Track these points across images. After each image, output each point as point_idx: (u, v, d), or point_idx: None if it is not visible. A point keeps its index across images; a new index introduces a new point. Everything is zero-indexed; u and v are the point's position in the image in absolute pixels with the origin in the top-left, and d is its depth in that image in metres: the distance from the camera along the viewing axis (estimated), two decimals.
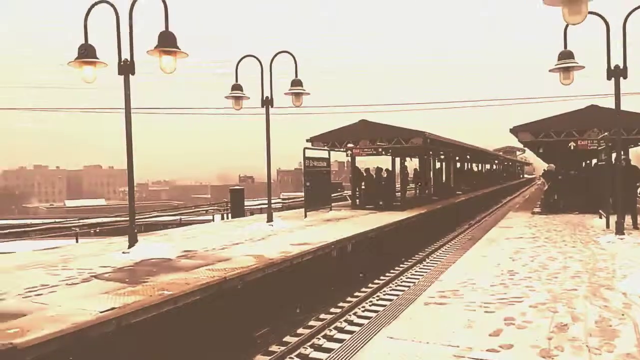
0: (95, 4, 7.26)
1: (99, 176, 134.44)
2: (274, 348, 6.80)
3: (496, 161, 42.97)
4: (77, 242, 12.87)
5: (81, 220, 20.23)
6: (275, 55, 11.49)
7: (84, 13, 7.26)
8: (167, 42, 7.20)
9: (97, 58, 7.25)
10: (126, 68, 7.31)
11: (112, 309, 4.74)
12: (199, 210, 24.43)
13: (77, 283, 5.96)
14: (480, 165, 37.58)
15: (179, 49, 7.28)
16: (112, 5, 7.23)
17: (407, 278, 11.02)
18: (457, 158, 27.04)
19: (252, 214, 19.04)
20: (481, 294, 5.43)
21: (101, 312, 4.62)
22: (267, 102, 11.58)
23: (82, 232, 17.11)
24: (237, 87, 11.18)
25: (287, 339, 7.11)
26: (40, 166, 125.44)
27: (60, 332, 4.13)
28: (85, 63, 7.26)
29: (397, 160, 19.02)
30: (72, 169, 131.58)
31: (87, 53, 7.08)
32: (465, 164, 30.88)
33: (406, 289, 9.68)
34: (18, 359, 3.84)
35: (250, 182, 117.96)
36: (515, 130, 14.45)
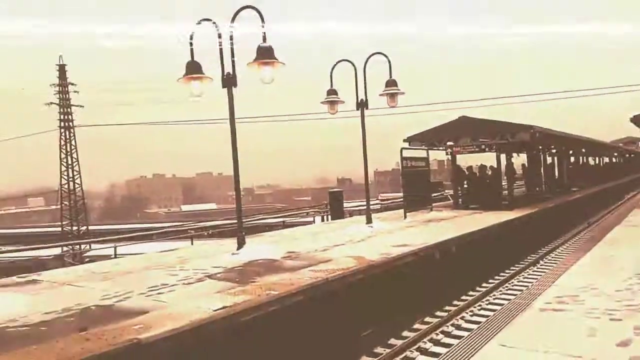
0: (199, 22, 7.78)
1: (210, 182, 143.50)
2: (379, 350, 6.76)
3: (615, 154, 39.11)
4: (192, 244, 13.84)
5: (197, 224, 21.70)
6: (370, 57, 11.47)
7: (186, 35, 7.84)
8: (265, 55, 7.60)
9: (202, 74, 7.79)
10: (229, 81, 7.76)
11: (224, 307, 5.01)
12: (301, 213, 25.11)
13: (192, 283, 6.39)
14: (597, 159, 34.39)
15: (277, 60, 7.60)
16: (214, 23, 7.71)
17: (518, 281, 10.39)
18: (570, 152, 24.99)
19: (351, 215, 19.13)
20: (605, 300, 4.94)
21: (214, 311, 4.90)
22: (361, 105, 11.61)
23: (196, 234, 18.37)
24: (332, 91, 11.38)
25: (392, 341, 7.03)
26: (159, 175, 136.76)
27: (178, 329, 4.45)
28: (192, 79, 7.82)
29: (503, 156, 18.00)
30: (186, 177, 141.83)
31: (194, 70, 7.66)
32: (581, 158, 28.42)
33: (518, 293, 9.12)
34: (142, 353, 4.20)
35: (349, 183, 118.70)
36: (637, 119, 13.04)
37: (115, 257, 13.62)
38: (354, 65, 11.32)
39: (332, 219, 17.94)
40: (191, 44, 7.76)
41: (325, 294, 6.29)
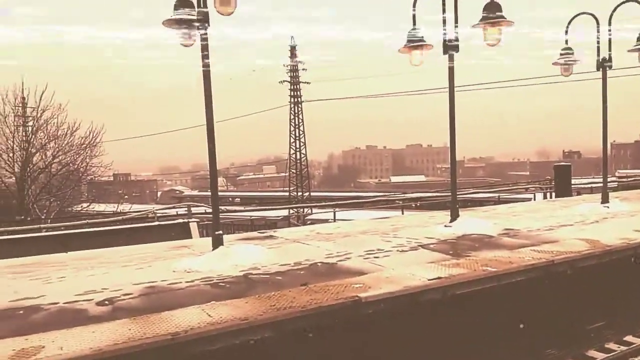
0: None
1: (419, 154, 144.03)
2: (611, 346, 5.95)
3: None
4: (402, 213, 14.16)
5: (406, 195, 22.11)
6: (617, 6, 9.72)
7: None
8: (492, 12, 7.01)
9: (424, 42, 7.66)
10: (450, 47, 7.47)
11: (439, 278, 5.01)
12: (517, 188, 23.42)
13: (406, 250, 6.54)
14: None
15: (505, 19, 6.97)
16: None
17: None
18: None
19: (579, 193, 17.01)
20: None
21: (429, 280, 4.94)
22: (603, 65, 9.97)
23: (405, 205, 18.74)
24: (566, 51, 9.97)
25: (630, 338, 6.10)
26: (371, 146, 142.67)
27: (395, 292, 4.62)
28: (414, 48, 7.78)
29: None
30: (397, 148, 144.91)
31: (416, 38, 7.58)
32: None
33: None
34: (361, 310, 4.50)
35: (577, 157, 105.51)
36: None
37: (335, 221, 14.81)
38: (595, 17, 9.75)
39: (557, 196, 16.23)
40: (414, 15, 7.68)
41: (549, 277, 5.76)
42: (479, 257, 5.98)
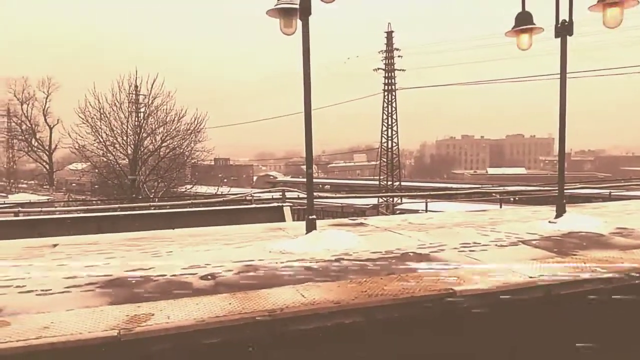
0: None
1: (520, 145, 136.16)
2: None
3: None
4: (500, 207, 13.50)
5: (503, 188, 21.09)
6: None
7: None
8: None
9: (533, 24, 7.18)
10: (563, 29, 6.92)
11: (542, 276, 4.72)
12: (631, 185, 21.41)
13: (505, 245, 6.23)
14: None
15: None
16: None
17: None
18: None
19: None
20: None
21: (530, 277, 4.66)
22: None
23: (502, 198, 17.87)
24: None
25: None
26: (467, 136, 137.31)
27: (492, 288, 4.43)
28: (522, 31, 7.31)
29: None
30: (495, 138, 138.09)
31: (524, 21, 7.12)
32: None
33: None
34: (455, 304, 4.36)
35: None
36: None
37: (426, 212, 14.50)
38: None
39: None
40: None
41: None
42: (588, 257, 5.54)
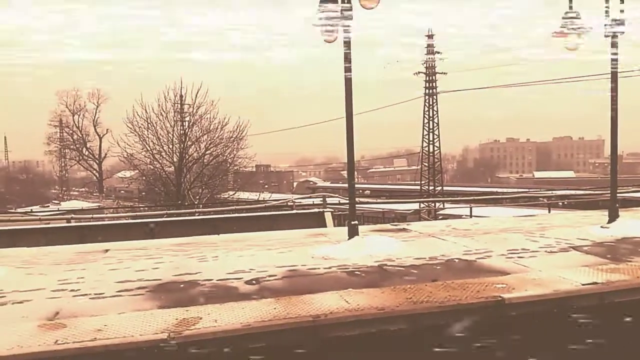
0: None
1: (568, 148, 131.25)
2: None
3: None
4: (549, 212, 13.06)
5: (551, 192, 20.39)
6: None
7: None
8: None
9: (581, 25, 6.94)
10: (615, 25, 6.65)
11: (594, 283, 4.53)
12: None
13: (556, 252, 6.01)
14: None
15: None
16: None
17: None
18: None
19: None
20: None
21: (583, 285, 4.49)
22: None
23: (550, 202, 17.24)
24: None
25: None
26: (512, 139, 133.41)
27: (543, 295, 4.29)
28: (570, 32, 7.08)
29: None
30: (542, 141, 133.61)
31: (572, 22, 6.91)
32: None
33: None
34: (504, 312, 4.24)
35: None
36: None
37: (470, 217, 14.19)
38: None
39: None
40: None
41: None
42: None
